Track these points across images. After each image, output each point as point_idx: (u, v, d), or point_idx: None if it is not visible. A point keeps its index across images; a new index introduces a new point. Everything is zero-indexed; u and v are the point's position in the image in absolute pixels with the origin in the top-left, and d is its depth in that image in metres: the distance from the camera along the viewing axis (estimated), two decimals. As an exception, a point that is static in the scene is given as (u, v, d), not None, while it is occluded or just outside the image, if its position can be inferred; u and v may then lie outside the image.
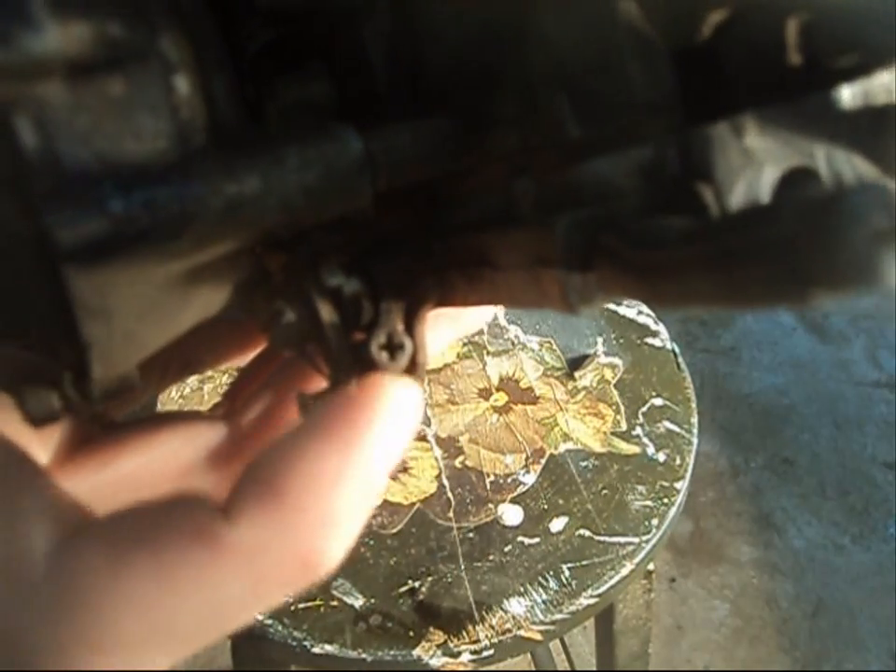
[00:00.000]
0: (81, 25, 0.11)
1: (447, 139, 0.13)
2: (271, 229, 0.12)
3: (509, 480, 0.65)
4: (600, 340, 0.78)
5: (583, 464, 0.66)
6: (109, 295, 0.11)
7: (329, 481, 0.14)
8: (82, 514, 0.15)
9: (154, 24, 0.12)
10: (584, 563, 0.59)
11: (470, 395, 0.73)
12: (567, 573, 0.58)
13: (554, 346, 0.77)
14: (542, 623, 0.56)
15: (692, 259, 0.10)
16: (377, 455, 0.14)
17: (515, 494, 0.64)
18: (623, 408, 0.71)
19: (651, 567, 0.66)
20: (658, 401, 0.71)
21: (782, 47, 0.11)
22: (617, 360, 0.76)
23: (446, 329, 0.18)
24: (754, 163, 0.11)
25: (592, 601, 0.57)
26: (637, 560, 0.59)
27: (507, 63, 0.12)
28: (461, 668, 0.54)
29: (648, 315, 0.81)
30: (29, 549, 0.14)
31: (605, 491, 0.64)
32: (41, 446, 0.17)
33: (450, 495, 0.64)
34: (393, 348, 0.14)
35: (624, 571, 0.58)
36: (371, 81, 0.14)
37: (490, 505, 0.63)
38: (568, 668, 1.11)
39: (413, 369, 0.14)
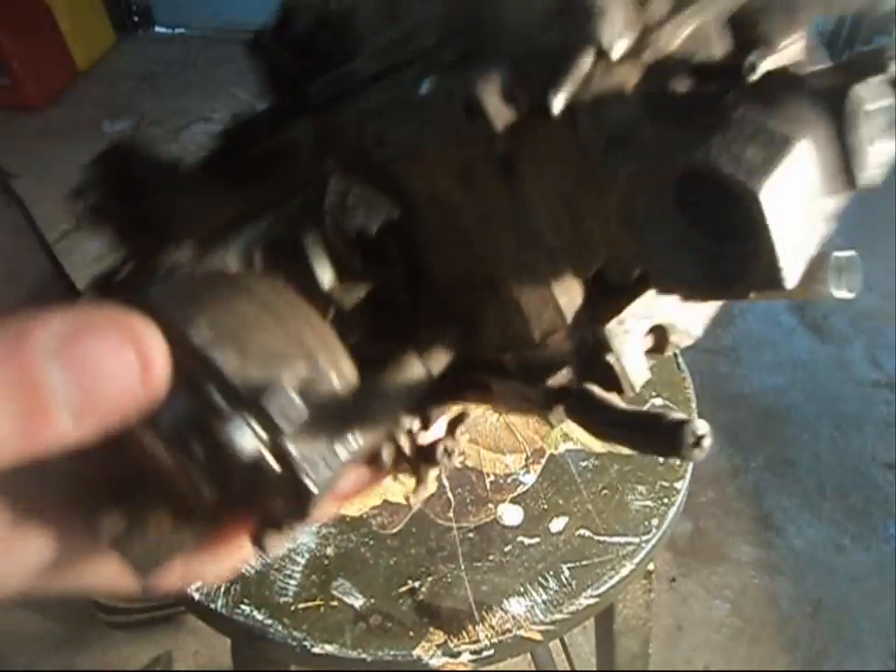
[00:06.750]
0: None
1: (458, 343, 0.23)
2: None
3: (509, 480, 0.65)
4: (600, 340, 0.78)
5: (583, 464, 0.66)
6: None
7: None
8: None
9: None
10: (584, 563, 0.59)
11: (470, 395, 0.73)
12: (566, 573, 0.58)
13: (554, 346, 0.77)
14: (542, 622, 0.56)
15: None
16: None
17: (515, 494, 0.64)
18: (622, 408, 0.71)
19: (651, 567, 0.66)
20: (658, 401, 0.71)
21: None
22: (617, 360, 0.76)
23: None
24: None
25: (592, 601, 0.57)
26: (636, 560, 0.59)
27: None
28: (461, 668, 0.54)
29: (648, 315, 0.81)
30: None
31: (605, 491, 0.64)
32: None
33: (450, 495, 0.64)
34: (448, 452, 0.26)
35: (624, 571, 0.58)
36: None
37: (490, 505, 0.63)
38: (568, 668, 1.11)
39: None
